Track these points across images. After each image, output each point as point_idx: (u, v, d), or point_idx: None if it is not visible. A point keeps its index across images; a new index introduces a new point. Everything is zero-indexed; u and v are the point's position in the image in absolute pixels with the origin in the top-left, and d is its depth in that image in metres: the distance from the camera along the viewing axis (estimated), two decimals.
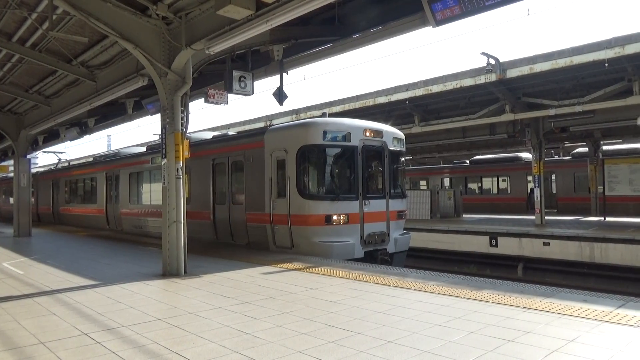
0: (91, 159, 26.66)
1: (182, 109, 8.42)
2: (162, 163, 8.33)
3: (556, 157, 28.44)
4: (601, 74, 14.09)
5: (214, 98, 10.47)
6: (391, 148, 11.07)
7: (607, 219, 19.07)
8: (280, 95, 10.22)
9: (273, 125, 16.57)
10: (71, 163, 31.32)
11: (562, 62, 13.21)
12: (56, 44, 10.69)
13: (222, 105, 10.79)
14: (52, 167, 31.24)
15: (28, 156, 17.81)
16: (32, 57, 11.24)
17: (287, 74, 10.56)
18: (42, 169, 32.78)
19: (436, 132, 20.39)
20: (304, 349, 4.19)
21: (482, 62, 14.75)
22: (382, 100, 17.89)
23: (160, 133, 8.57)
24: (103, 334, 4.75)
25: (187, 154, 8.40)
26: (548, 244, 15.02)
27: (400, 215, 11.25)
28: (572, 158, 26.29)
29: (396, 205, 11.10)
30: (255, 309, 5.66)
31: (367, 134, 10.58)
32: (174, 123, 8.28)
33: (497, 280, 7.37)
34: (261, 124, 22.87)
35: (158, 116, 8.83)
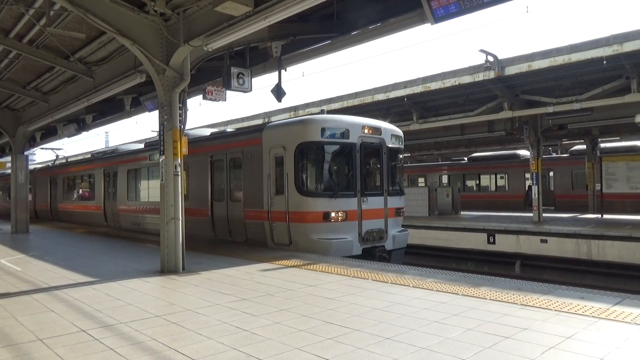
0: (89, 156, 26.61)
1: (180, 105, 8.40)
2: (160, 160, 8.31)
3: (554, 155, 28.47)
4: (599, 72, 14.10)
5: (212, 95, 10.46)
6: (389, 145, 11.07)
7: (605, 216, 19.12)
8: (278, 92, 10.20)
9: (271, 122, 16.57)
10: (69, 160, 31.24)
11: (560, 60, 13.22)
12: (54, 40, 10.65)
13: (220, 102, 10.78)
14: (49, 163, 31.19)
15: (25, 153, 17.76)
16: (29, 53, 11.19)
17: (286, 70, 10.53)
18: (39, 166, 32.70)
19: (434, 129, 20.42)
20: (302, 345, 4.20)
21: (480, 59, 14.75)
22: (380, 97, 17.89)
23: (158, 130, 8.56)
24: (101, 331, 4.75)
25: (185, 150, 8.39)
26: (545, 241, 15.06)
27: (398, 212, 11.26)
28: (570, 155, 26.32)
29: (394, 202, 11.10)
30: (253, 305, 5.66)
31: (366, 131, 10.57)
32: (172, 120, 8.27)
33: (494, 278, 7.40)
34: (259, 121, 22.86)
35: (156, 113, 8.81)
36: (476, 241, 16.80)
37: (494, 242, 16.37)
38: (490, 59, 14.40)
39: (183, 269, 8.19)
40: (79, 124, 17.09)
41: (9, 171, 20.22)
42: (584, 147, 24.14)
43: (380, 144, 10.88)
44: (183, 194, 8.42)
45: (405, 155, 23.88)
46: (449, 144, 26.40)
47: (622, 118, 16.34)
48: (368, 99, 18.33)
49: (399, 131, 11.70)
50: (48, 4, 8.77)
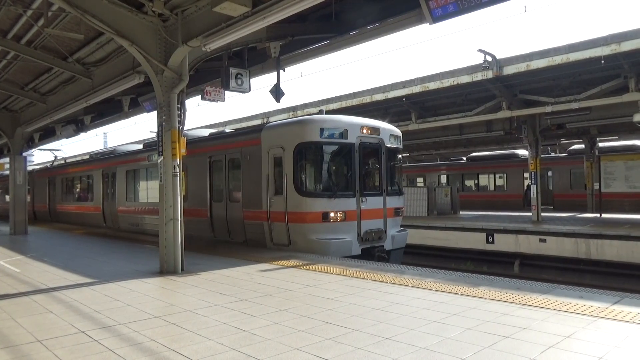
0: (87, 157, 26.59)
1: (179, 106, 8.39)
2: (159, 160, 8.31)
3: (553, 154, 28.51)
4: (597, 71, 14.12)
5: (210, 95, 10.45)
6: (388, 145, 11.08)
7: (603, 215, 19.14)
8: (277, 93, 10.19)
9: (270, 122, 16.56)
10: (67, 161, 31.22)
11: (558, 59, 13.23)
12: (52, 41, 10.64)
13: (218, 102, 10.78)
14: (48, 164, 31.15)
15: (24, 154, 17.74)
16: (27, 54, 11.19)
17: (284, 71, 10.54)
18: (38, 167, 32.66)
19: (433, 129, 20.42)
20: (301, 345, 4.20)
21: (479, 59, 14.76)
22: (379, 97, 17.88)
23: (157, 130, 8.55)
24: (100, 332, 4.75)
25: (183, 151, 8.39)
26: (544, 240, 15.07)
27: (397, 212, 11.26)
28: (569, 155, 26.36)
29: (393, 202, 11.11)
30: (252, 306, 5.66)
31: (364, 131, 10.58)
32: (170, 120, 8.26)
33: (493, 277, 7.41)
34: (258, 121, 22.84)
35: (155, 113, 8.81)
36: (475, 241, 16.80)
37: (492, 242, 16.38)
38: (489, 58, 14.41)
39: (182, 269, 8.18)
40: (78, 124, 17.08)
41: (8, 172, 20.20)
42: (582, 146, 24.17)
43: (379, 144, 10.89)
44: (182, 195, 8.41)
45: (404, 155, 23.92)
46: (448, 144, 26.40)
47: (620, 117, 16.36)
48: (367, 99, 18.33)
49: (397, 131, 11.71)
50: (46, 5, 8.76)
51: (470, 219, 19.37)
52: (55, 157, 31.51)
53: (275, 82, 10.19)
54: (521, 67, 14.04)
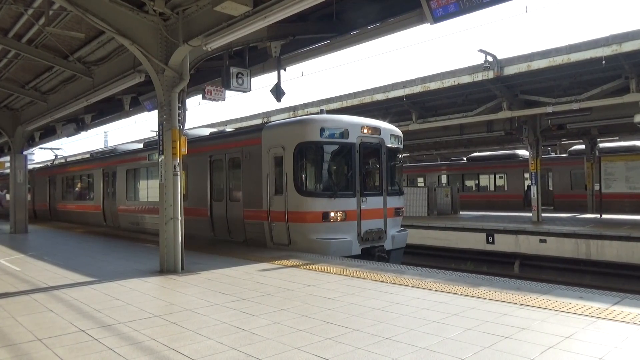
0: (88, 156, 26.59)
1: (180, 105, 8.40)
2: (159, 160, 8.31)
3: (553, 155, 28.50)
4: (598, 72, 14.12)
5: (211, 94, 10.45)
6: (388, 145, 11.08)
7: (604, 216, 19.14)
8: (277, 92, 10.19)
9: (270, 122, 16.56)
10: (68, 159, 31.22)
11: (559, 60, 13.24)
12: (52, 40, 10.64)
13: (219, 101, 10.78)
14: (48, 163, 31.16)
15: (24, 152, 17.75)
16: (28, 53, 11.19)
17: (285, 70, 10.52)
18: (38, 166, 32.67)
19: (433, 129, 20.43)
20: (301, 345, 4.20)
21: (479, 59, 14.77)
22: (379, 97, 17.89)
23: (157, 129, 8.55)
24: (100, 331, 4.75)
25: (184, 150, 8.39)
26: (544, 241, 15.08)
27: (397, 212, 11.27)
28: (569, 155, 26.36)
29: (393, 202, 11.11)
30: (252, 305, 5.66)
31: (365, 130, 10.58)
32: (171, 119, 8.27)
33: (493, 277, 7.41)
34: (258, 121, 22.85)
35: (155, 112, 8.81)
36: (475, 241, 16.80)
37: (493, 242, 16.38)
38: (490, 59, 14.41)
39: (182, 268, 8.18)
40: (78, 123, 17.08)
41: (8, 171, 20.20)
42: (582, 147, 24.17)
43: (379, 143, 10.89)
44: (182, 194, 8.42)
45: (404, 155, 23.93)
46: (448, 144, 26.41)
47: (621, 118, 16.36)
48: (367, 99, 18.33)
49: (398, 131, 11.71)
50: (47, 4, 8.76)
51: (470, 219, 19.37)
52: (56, 155, 31.52)
53: (276, 81, 10.19)
54: (522, 67, 14.05)
